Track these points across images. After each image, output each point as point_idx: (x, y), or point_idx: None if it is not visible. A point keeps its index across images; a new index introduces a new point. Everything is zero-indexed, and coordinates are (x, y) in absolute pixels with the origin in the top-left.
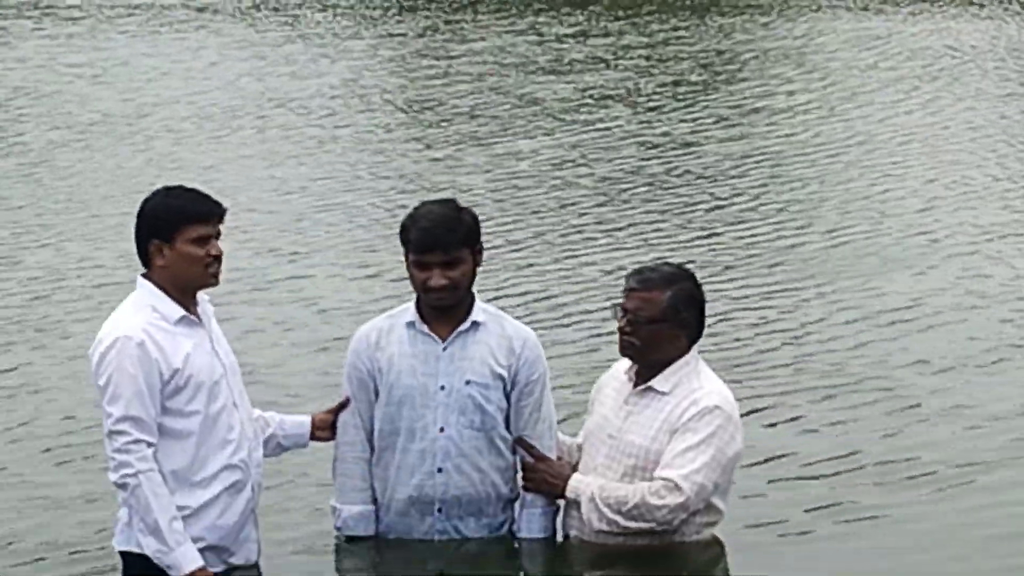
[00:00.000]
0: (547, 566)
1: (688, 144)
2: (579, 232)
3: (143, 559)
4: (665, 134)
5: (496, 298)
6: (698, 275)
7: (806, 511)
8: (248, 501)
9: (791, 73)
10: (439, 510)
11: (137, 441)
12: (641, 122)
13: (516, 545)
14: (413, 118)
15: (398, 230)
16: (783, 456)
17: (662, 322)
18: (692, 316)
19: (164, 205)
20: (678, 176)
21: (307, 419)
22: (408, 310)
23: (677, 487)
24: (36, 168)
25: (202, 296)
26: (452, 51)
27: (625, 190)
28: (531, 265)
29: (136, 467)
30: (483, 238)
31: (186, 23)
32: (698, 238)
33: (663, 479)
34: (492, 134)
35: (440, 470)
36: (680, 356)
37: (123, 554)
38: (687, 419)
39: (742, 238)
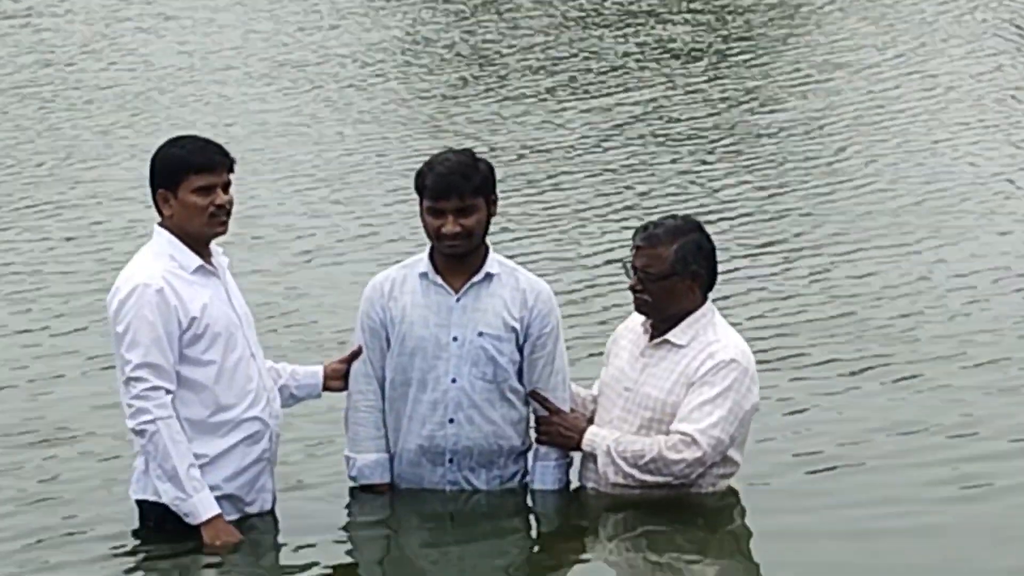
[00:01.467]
0: (560, 517)
1: (762, 99)
2: (650, 190)
3: (159, 507)
4: (736, 89)
5: (564, 257)
6: (783, 234)
7: (903, 479)
8: (265, 451)
9: (854, 25)
10: (450, 460)
11: (156, 388)
12: (711, 77)
13: (528, 496)
14: (476, 73)
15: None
16: (880, 418)
17: (672, 276)
18: (702, 267)
19: (169, 154)
20: (754, 132)
21: (319, 369)
22: (422, 261)
23: (694, 441)
24: (102, 121)
25: (216, 248)
26: (514, 3)
27: (698, 146)
28: (601, 222)
29: (154, 414)
30: (550, 196)
31: None
32: (776, 195)
33: (680, 433)
34: (559, 89)
35: (452, 420)
36: (695, 308)
37: (139, 503)
38: (704, 372)
39: (827, 194)
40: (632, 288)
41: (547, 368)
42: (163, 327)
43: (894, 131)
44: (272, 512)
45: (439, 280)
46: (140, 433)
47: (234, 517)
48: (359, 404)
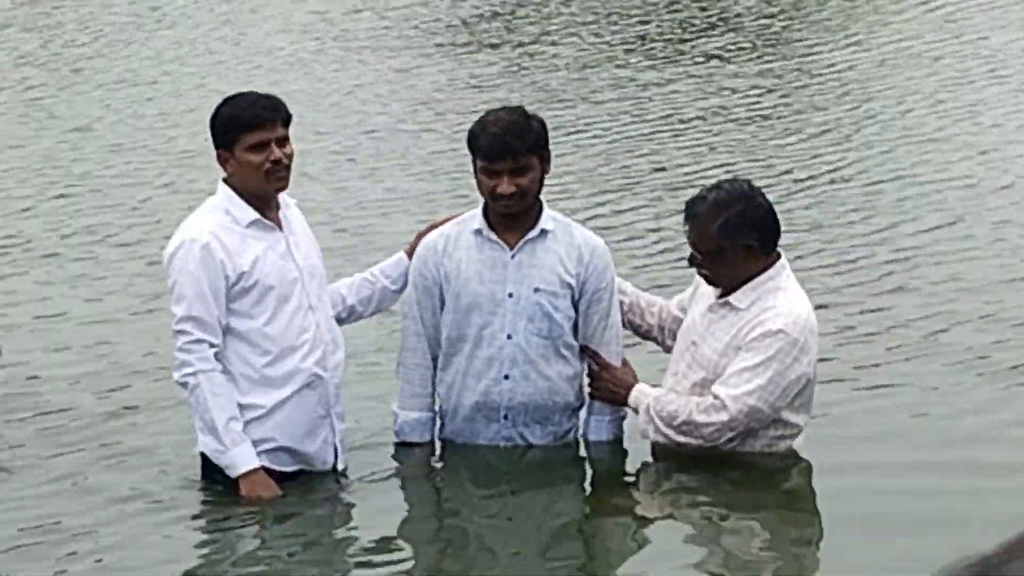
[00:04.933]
0: (613, 469)
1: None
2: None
3: None
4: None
5: None
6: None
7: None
8: (321, 404)
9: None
10: (505, 416)
11: (199, 341)
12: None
13: (582, 449)
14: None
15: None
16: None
17: (722, 252)
18: (753, 234)
19: (221, 114)
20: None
21: (401, 255)
22: (475, 217)
23: (724, 406)
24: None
25: (288, 200)
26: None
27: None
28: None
29: (196, 367)
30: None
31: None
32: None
33: (713, 396)
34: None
35: (507, 377)
36: (761, 271)
37: (202, 455)
38: (751, 339)
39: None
40: (689, 261)
41: (601, 323)
42: (208, 282)
43: None
44: (335, 468)
45: (493, 236)
46: (184, 385)
47: (292, 469)
48: (407, 361)
